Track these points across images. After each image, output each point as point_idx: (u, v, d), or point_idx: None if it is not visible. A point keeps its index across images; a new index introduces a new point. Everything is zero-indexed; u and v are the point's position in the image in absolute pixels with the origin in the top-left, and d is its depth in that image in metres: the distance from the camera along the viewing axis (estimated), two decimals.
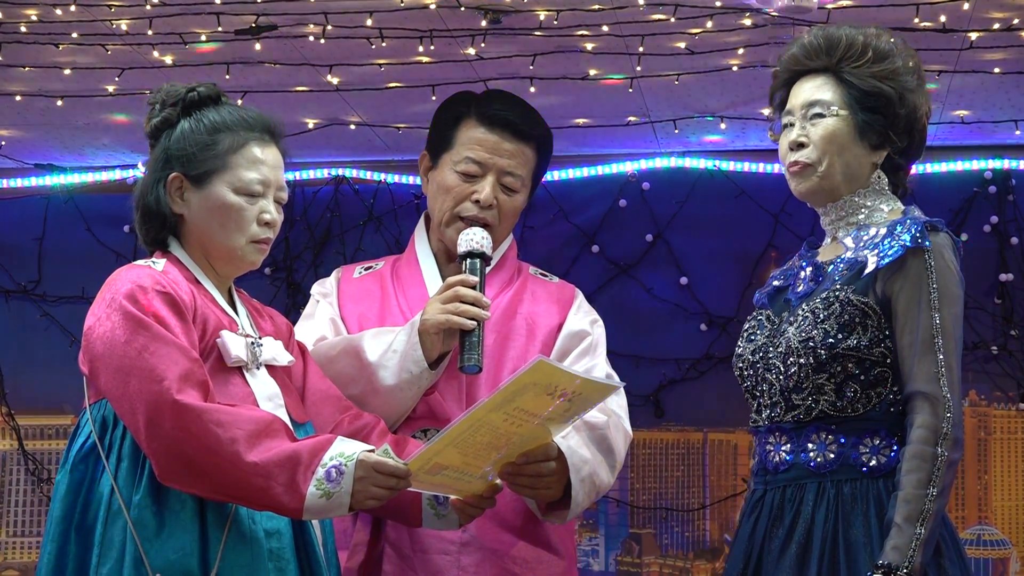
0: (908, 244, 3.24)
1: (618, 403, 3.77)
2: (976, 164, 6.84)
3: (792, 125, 3.44)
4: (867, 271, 3.29)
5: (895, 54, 3.40)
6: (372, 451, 3.19)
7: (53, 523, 3.22)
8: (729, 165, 6.98)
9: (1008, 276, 6.82)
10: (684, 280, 7.03)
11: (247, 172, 3.35)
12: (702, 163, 7.01)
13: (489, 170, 3.84)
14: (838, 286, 3.30)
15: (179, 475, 3.13)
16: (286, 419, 3.30)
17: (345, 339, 3.77)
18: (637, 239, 7.09)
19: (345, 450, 3.17)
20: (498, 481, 3.47)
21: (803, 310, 3.32)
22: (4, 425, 7.33)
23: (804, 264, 3.47)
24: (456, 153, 3.86)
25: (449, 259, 3.88)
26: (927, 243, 3.25)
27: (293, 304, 6.92)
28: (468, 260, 3.71)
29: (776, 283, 3.53)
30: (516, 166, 3.86)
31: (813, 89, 3.43)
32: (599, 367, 3.82)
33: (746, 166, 6.96)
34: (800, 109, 3.43)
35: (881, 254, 3.28)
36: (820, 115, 3.40)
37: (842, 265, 3.35)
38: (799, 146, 3.42)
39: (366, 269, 4.02)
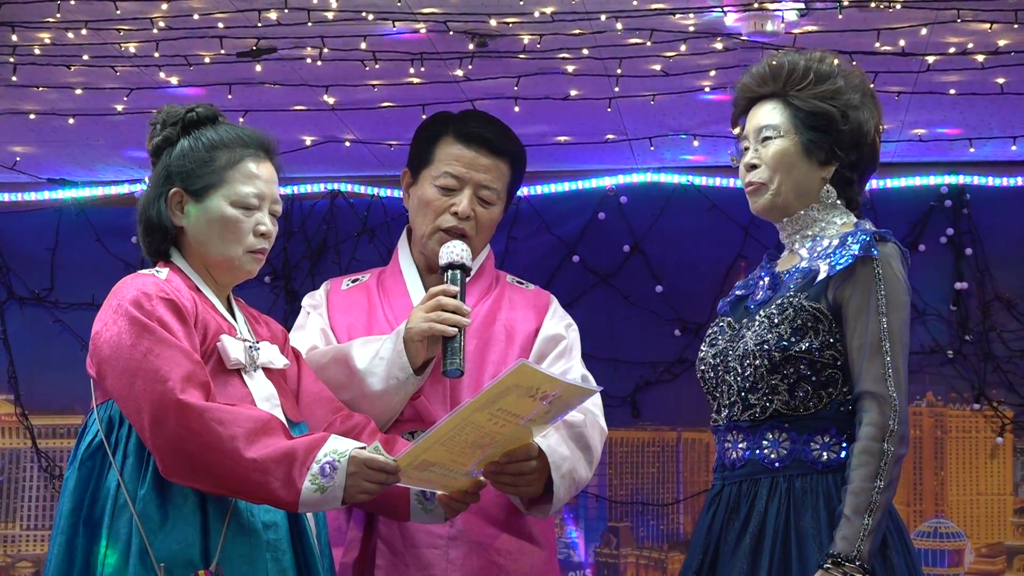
0: (858, 253, 3.26)
1: (594, 402, 3.77)
2: (933, 180, 6.86)
3: (748, 149, 3.47)
4: (819, 279, 3.30)
5: (836, 75, 3.43)
6: (364, 448, 3.20)
7: (62, 517, 3.21)
8: (701, 180, 6.99)
9: (963, 285, 6.84)
10: (659, 288, 7.04)
11: (243, 186, 3.35)
12: (676, 178, 7.02)
13: (467, 184, 3.85)
14: (792, 293, 3.32)
15: (182, 471, 3.13)
16: (282, 419, 3.30)
17: (335, 348, 3.78)
18: (615, 250, 7.10)
19: (338, 447, 3.17)
20: (482, 478, 3.47)
21: (760, 316, 3.34)
22: (19, 424, 7.32)
23: (763, 274, 3.49)
24: (435, 168, 3.87)
25: (431, 270, 3.89)
26: (876, 252, 3.26)
27: (291, 311, 6.90)
28: (449, 271, 3.72)
29: (738, 292, 3.55)
30: (492, 180, 3.87)
31: (764, 114, 3.46)
32: (575, 369, 3.83)
33: (717, 181, 6.97)
34: (753, 133, 3.47)
35: (833, 263, 3.29)
36: (769, 138, 3.43)
37: (797, 274, 3.37)
38: (752, 167, 3.45)
39: (353, 281, 4.02)
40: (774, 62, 3.47)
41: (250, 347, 3.35)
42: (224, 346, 3.28)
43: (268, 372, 3.39)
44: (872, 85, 3.51)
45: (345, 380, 3.67)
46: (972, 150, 6.50)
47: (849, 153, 3.42)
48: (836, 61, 3.46)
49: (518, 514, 3.74)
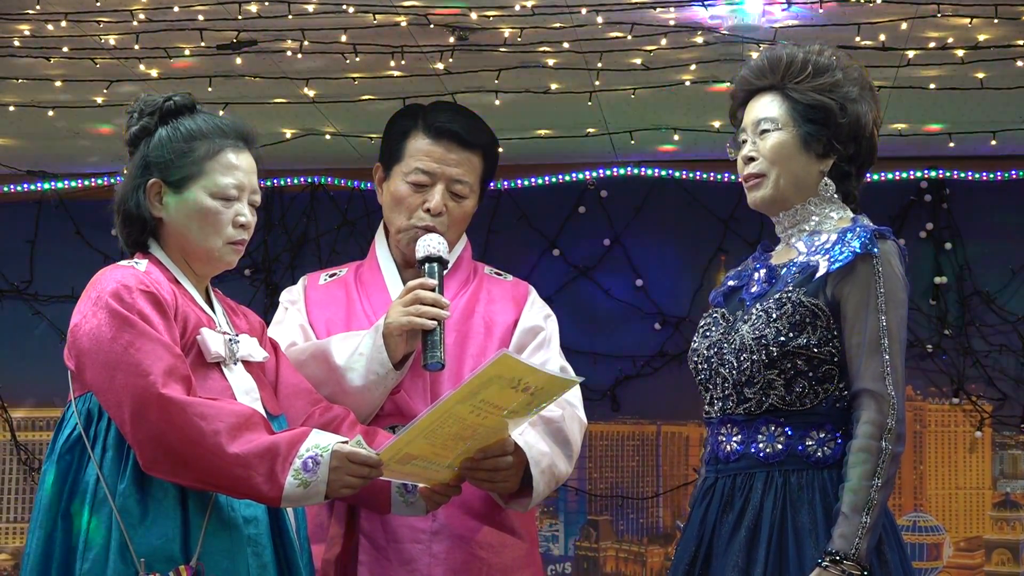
0: (858, 250, 3.24)
1: (574, 394, 3.74)
2: (913, 174, 6.89)
3: (746, 141, 3.45)
4: (818, 275, 3.27)
5: (835, 68, 3.41)
6: (346, 442, 3.17)
7: (40, 511, 3.17)
8: (682, 174, 7.02)
9: (943, 279, 6.86)
10: (639, 282, 7.05)
11: (222, 177, 3.31)
12: (656, 172, 7.03)
13: (438, 179, 3.80)
14: (790, 288, 3.29)
15: (163, 465, 3.09)
16: (262, 412, 3.27)
17: (314, 344, 3.74)
18: (595, 243, 7.11)
19: (320, 442, 3.14)
20: None
21: (757, 309, 3.31)
22: None
23: (758, 266, 3.46)
24: (406, 164, 3.82)
25: (408, 264, 3.84)
26: (876, 250, 3.24)
27: (271, 304, 6.89)
28: (426, 264, 3.68)
29: (731, 283, 3.52)
30: (463, 174, 3.82)
31: (762, 107, 3.43)
32: (553, 360, 3.80)
33: (697, 175, 7.00)
34: (751, 126, 3.44)
35: (832, 259, 3.27)
36: (767, 130, 3.40)
37: (794, 268, 3.34)
38: (750, 160, 3.42)
39: (331, 276, 3.98)
40: (774, 55, 3.45)
41: (230, 340, 3.32)
42: (204, 339, 3.24)
43: (247, 365, 3.35)
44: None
45: (325, 376, 3.64)
46: (952, 145, 6.52)
47: (847, 146, 3.41)
48: (835, 54, 3.44)
49: (500, 507, 3.72)
